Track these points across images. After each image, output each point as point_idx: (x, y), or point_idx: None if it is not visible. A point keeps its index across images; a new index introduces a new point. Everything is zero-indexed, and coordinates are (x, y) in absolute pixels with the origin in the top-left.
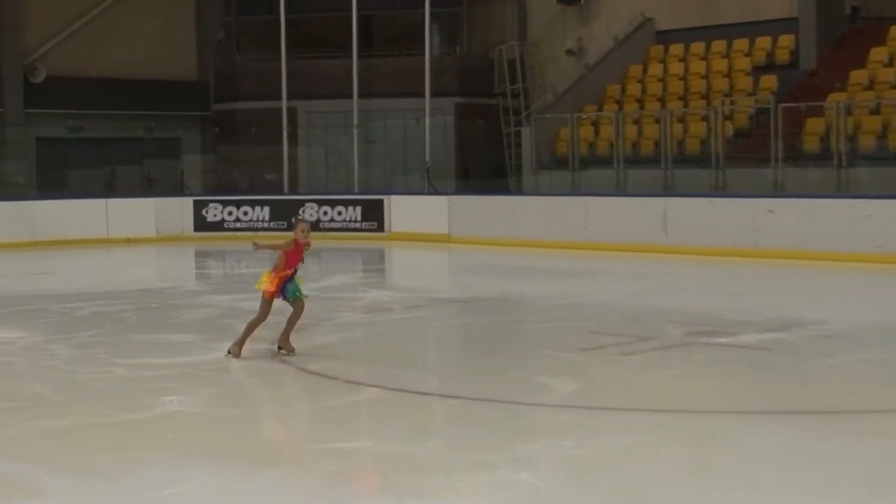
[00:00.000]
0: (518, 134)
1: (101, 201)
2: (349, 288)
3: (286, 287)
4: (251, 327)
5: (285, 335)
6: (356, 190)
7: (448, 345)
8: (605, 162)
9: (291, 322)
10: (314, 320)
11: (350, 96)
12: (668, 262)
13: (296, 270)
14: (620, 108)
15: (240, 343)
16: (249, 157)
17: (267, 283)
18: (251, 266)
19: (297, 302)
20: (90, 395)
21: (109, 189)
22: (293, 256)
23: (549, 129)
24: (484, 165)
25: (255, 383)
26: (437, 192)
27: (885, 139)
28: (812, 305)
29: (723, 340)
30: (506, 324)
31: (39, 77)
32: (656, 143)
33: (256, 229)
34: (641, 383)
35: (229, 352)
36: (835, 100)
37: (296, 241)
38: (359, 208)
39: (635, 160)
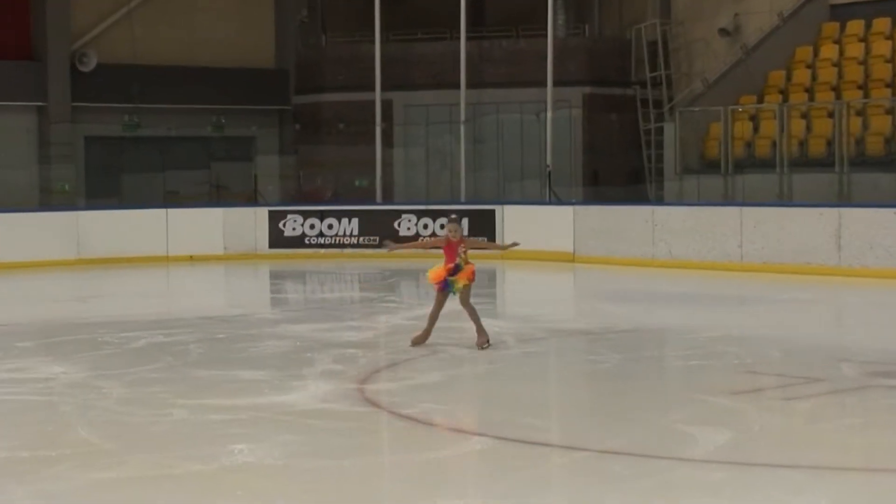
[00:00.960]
0: (659, 131)
1: (160, 212)
2: (453, 317)
3: (447, 282)
4: (433, 317)
5: (479, 330)
6: (463, 199)
7: (572, 386)
8: (766, 165)
9: (472, 318)
10: (411, 355)
11: (456, 86)
12: (842, 286)
13: (456, 267)
14: (785, 100)
15: (426, 332)
16: (336, 159)
17: (433, 273)
18: (336, 290)
19: (459, 297)
20: (146, 442)
21: (170, 198)
22: (448, 252)
23: (697, 125)
24: (617, 169)
25: (340, 430)
26: (559, 202)
27: None
28: None
29: None
30: (642, 361)
31: (90, 65)
32: (829, 142)
33: (343, 245)
34: (808, 434)
35: (414, 343)
36: None
37: (447, 240)
38: (466, 221)
39: (803, 162)
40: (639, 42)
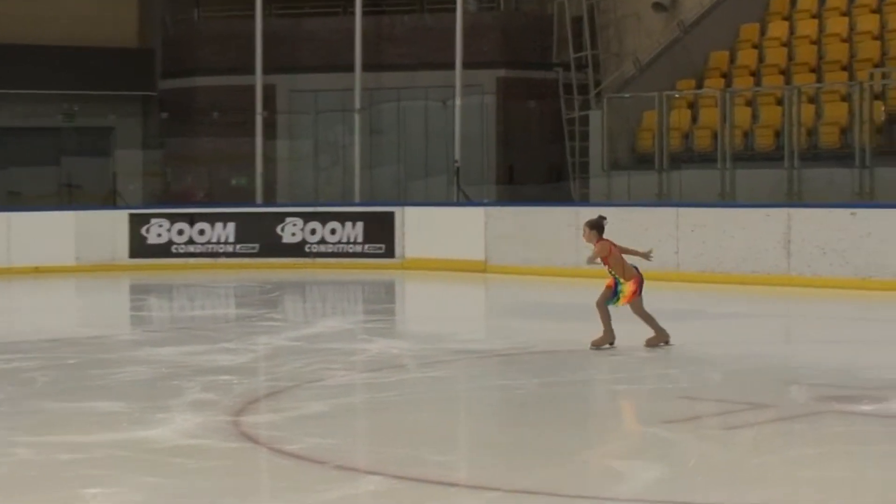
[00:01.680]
0: (584, 120)
1: (0, 216)
2: (345, 336)
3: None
4: (648, 317)
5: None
6: (357, 199)
7: (482, 415)
8: (707, 159)
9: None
10: (295, 381)
11: (351, 69)
12: (791, 297)
13: (616, 285)
14: (729, 85)
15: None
16: (209, 153)
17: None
18: (209, 306)
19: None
20: None
21: (12, 199)
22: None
23: (627, 114)
24: (536, 164)
25: (211, 470)
26: (469, 203)
27: None
28: None
29: (868, 408)
30: (563, 386)
31: None
32: (778, 133)
33: (217, 255)
34: (753, 468)
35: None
36: None
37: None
38: (360, 225)
39: (748, 156)
40: (561, 18)
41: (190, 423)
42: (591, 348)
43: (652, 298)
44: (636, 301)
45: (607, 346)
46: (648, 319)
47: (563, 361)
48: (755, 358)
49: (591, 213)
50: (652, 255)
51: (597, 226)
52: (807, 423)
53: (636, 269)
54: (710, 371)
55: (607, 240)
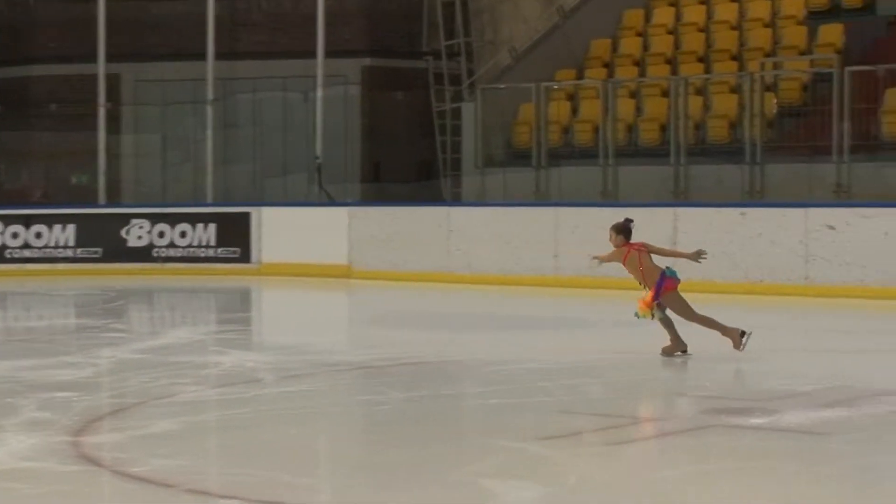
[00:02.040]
0: (457, 113)
1: None
2: (196, 349)
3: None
4: (710, 323)
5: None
6: (210, 199)
7: (344, 433)
8: (588, 155)
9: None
10: (141, 398)
11: (203, 57)
12: None
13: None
14: (611, 75)
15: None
16: (47, 149)
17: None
18: (46, 316)
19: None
20: None
21: None
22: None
23: (503, 107)
24: (404, 161)
25: (49, 495)
26: (332, 203)
27: None
28: (889, 368)
29: (757, 421)
30: (433, 400)
31: None
32: (664, 127)
33: (56, 259)
34: (636, 486)
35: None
36: None
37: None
38: (213, 227)
39: (632, 152)
40: (431, 3)
41: (25, 445)
42: (661, 355)
43: (529, 306)
44: (665, 303)
45: (678, 353)
46: (668, 326)
47: (432, 374)
48: (637, 369)
49: (464, 213)
50: (704, 255)
51: (623, 229)
52: (694, 438)
53: (665, 274)
54: (590, 383)
55: (636, 244)
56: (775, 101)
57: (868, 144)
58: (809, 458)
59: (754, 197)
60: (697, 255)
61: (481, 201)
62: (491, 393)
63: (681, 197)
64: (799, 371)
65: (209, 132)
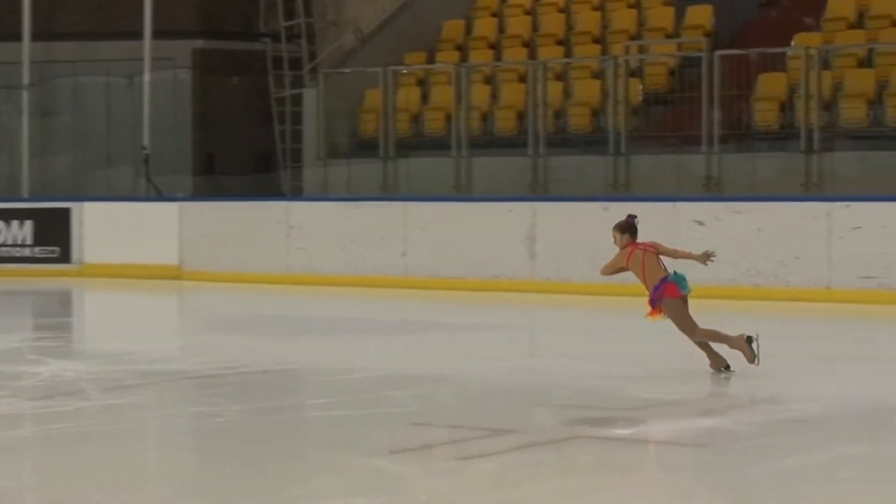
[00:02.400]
0: (298, 100)
1: None
2: (10, 357)
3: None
4: (715, 336)
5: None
6: (26, 194)
7: (175, 449)
8: (440, 145)
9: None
10: None
11: (17, 38)
12: (537, 306)
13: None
14: (464, 59)
15: (713, 355)
16: None
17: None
18: None
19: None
20: None
21: None
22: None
23: (347, 93)
24: (240, 151)
25: None
26: (160, 197)
27: (882, 106)
28: (766, 374)
29: (623, 432)
30: (273, 412)
31: None
32: (521, 116)
33: None
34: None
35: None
36: (804, 44)
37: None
38: (29, 224)
39: (487, 142)
40: None
41: None
42: (755, 364)
43: (376, 309)
44: (665, 311)
45: (754, 345)
46: (701, 345)
47: (271, 384)
48: (495, 377)
49: (305, 208)
50: (713, 257)
51: (628, 227)
52: (554, 451)
53: (668, 279)
54: (442, 393)
55: (643, 244)
56: (640, 87)
57: (739, 134)
58: (680, 471)
59: (618, 190)
60: (706, 258)
61: (324, 195)
62: (335, 404)
63: (539, 191)
64: (667, 378)
65: (24, 119)
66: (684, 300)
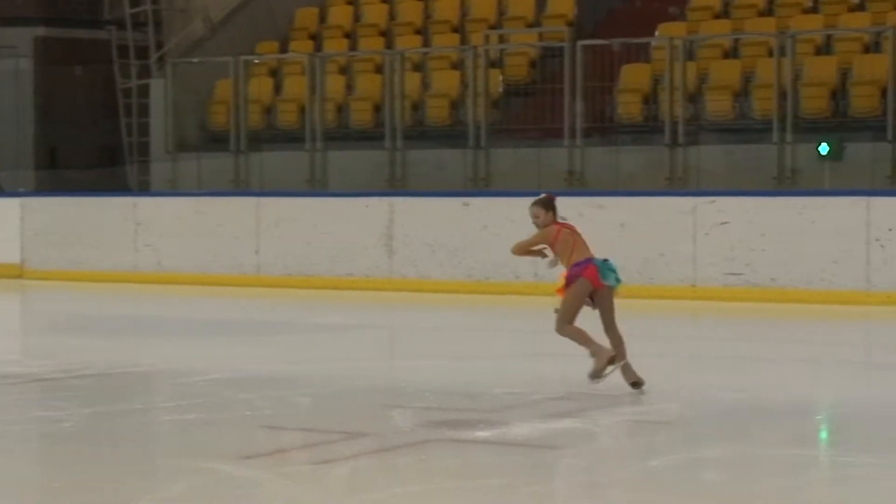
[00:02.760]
0: (144, 91)
1: None
2: None
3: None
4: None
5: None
6: None
7: (18, 456)
8: (293, 139)
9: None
10: None
11: None
12: (395, 304)
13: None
14: (319, 48)
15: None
16: None
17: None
18: None
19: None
20: None
21: None
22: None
23: (197, 84)
24: (84, 145)
25: None
26: (1, 193)
27: (748, 98)
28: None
29: (483, 434)
30: (120, 417)
31: None
32: (378, 108)
33: None
34: None
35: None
36: (669, 34)
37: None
38: None
39: (343, 135)
40: None
41: None
42: (591, 381)
43: (228, 308)
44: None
45: (610, 368)
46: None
47: (119, 386)
48: (351, 378)
49: (153, 204)
50: (551, 259)
51: (550, 204)
52: (412, 455)
53: (594, 261)
54: (297, 395)
55: (562, 224)
56: (501, 78)
57: (602, 127)
58: (541, 473)
59: (478, 185)
60: (551, 265)
61: (173, 190)
62: (186, 407)
63: (397, 185)
64: (527, 378)
65: None
66: (608, 292)
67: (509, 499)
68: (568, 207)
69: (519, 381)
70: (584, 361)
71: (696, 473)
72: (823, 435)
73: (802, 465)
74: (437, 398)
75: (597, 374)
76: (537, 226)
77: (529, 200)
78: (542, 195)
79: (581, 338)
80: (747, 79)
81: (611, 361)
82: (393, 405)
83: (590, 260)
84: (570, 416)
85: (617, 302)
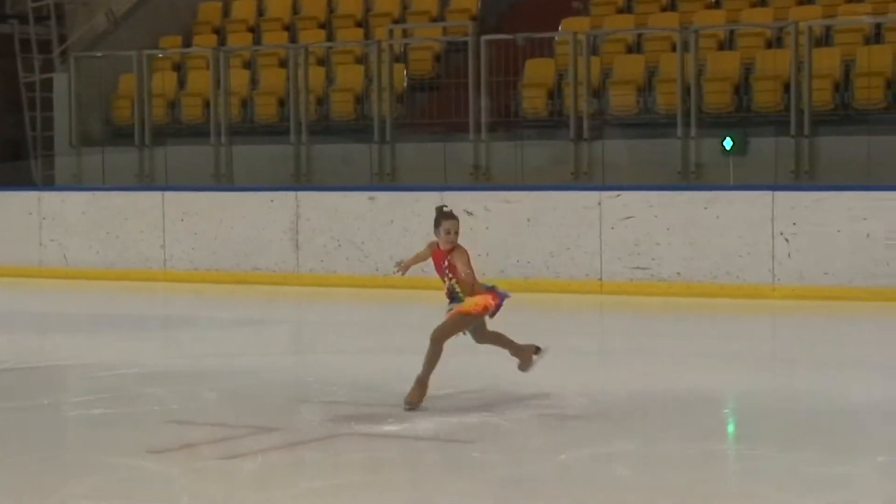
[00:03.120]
0: (48, 85)
1: None
2: None
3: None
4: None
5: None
6: None
7: None
8: (198, 133)
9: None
10: None
11: None
12: (303, 299)
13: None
14: (223, 42)
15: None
16: None
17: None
18: None
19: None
20: None
21: None
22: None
23: (100, 78)
24: None
25: None
26: None
27: (652, 93)
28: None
29: (392, 429)
30: (28, 412)
31: None
32: (282, 102)
33: None
34: None
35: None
36: (572, 28)
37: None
38: None
39: (248, 130)
40: None
41: None
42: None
43: (134, 303)
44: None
45: (535, 357)
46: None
47: (26, 382)
48: (259, 373)
49: (57, 199)
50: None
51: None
52: (321, 450)
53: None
54: (205, 390)
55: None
56: (405, 72)
57: (507, 121)
58: (451, 468)
59: (384, 180)
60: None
61: (77, 185)
62: (93, 402)
63: (303, 180)
64: (435, 372)
65: None
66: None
67: (418, 493)
68: (474, 202)
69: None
70: (494, 356)
71: (605, 467)
72: (730, 428)
73: (710, 458)
74: (346, 393)
75: (527, 365)
76: (454, 238)
77: (436, 195)
78: (444, 208)
79: (434, 360)
80: (651, 73)
81: (535, 352)
82: (301, 400)
83: (493, 288)
84: (479, 410)
85: (518, 296)
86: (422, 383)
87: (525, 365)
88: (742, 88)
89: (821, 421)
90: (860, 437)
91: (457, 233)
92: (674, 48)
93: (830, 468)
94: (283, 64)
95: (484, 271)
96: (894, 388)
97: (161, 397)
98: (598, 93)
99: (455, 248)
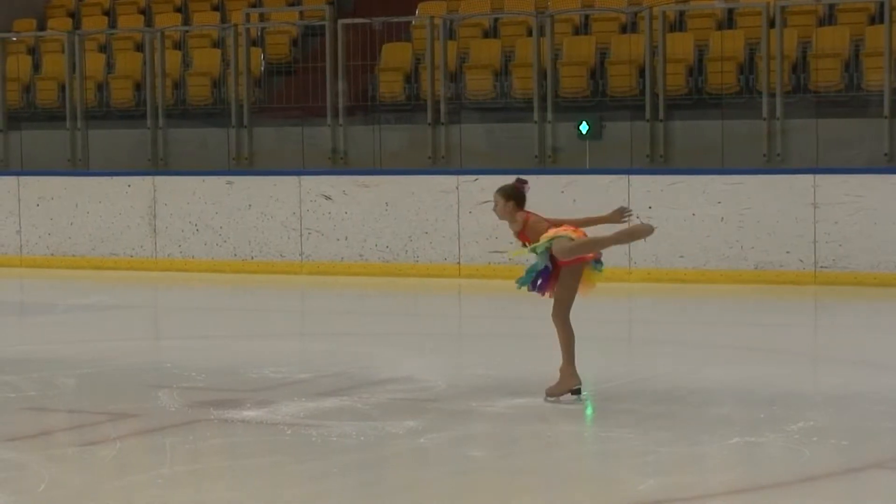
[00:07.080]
0: None
1: None
2: None
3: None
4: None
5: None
6: None
7: None
8: (54, 117)
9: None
10: None
11: None
12: (161, 284)
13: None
14: (77, 26)
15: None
16: None
17: None
18: None
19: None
20: None
21: None
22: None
23: None
24: None
25: None
26: None
27: (508, 77)
28: (390, 352)
29: (251, 414)
30: None
31: None
32: (138, 86)
33: None
34: (116, 493)
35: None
36: (429, 12)
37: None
38: None
39: (104, 114)
40: None
41: None
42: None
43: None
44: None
45: (568, 396)
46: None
47: None
48: (116, 359)
49: None
50: (627, 213)
51: (515, 195)
52: (179, 435)
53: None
54: (62, 376)
55: (530, 213)
56: (262, 56)
57: (365, 106)
58: (309, 452)
59: (242, 164)
60: (620, 214)
61: None
62: None
63: (160, 164)
64: (294, 358)
65: None
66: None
67: (277, 478)
68: (332, 186)
69: (286, 361)
70: (352, 340)
71: (462, 449)
72: (588, 411)
73: (566, 440)
74: (204, 378)
75: (553, 395)
76: (495, 212)
77: (294, 179)
78: (508, 183)
79: (567, 342)
80: (507, 58)
81: (574, 392)
82: (159, 385)
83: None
84: (338, 394)
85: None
86: (565, 374)
87: (554, 393)
88: (597, 73)
89: (677, 403)
90: (716, 419)
91: (499, 210)
92: (530, 33)
93: (684, 447)
94: (138, 48)
95: (342, 255)
96: (749, 369)
97: (17, 384)
98: (455, 77)
99: (524, 222)
